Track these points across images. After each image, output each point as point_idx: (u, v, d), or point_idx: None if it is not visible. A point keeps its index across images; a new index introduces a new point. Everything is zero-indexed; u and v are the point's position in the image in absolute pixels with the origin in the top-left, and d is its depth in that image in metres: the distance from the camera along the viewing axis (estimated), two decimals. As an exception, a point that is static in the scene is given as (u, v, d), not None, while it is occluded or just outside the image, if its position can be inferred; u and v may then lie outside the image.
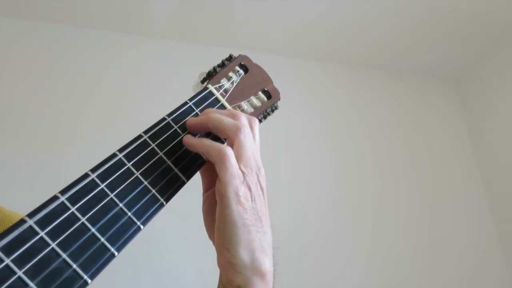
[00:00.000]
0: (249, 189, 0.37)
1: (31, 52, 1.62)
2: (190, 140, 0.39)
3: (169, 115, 0.41)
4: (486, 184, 1.83)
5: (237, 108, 0.46)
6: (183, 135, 0.40)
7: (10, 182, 1.37)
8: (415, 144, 1.86)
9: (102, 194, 0.33)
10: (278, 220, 1.63)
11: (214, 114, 0.40)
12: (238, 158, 0.37)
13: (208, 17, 1.71)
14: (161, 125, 0.39)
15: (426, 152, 1.85)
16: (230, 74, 0.47)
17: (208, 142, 0.38)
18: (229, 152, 0.36)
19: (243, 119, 0.40)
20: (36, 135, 1.49)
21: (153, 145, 0.38)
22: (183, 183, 0.38)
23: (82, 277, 0.29)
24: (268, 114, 0.48)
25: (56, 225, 0.30)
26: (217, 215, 0.36)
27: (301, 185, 1.65)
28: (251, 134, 0.39)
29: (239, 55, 0.49)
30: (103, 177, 0.33)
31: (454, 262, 1.63)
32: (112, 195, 0.33)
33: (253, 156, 0.39)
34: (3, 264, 0.27)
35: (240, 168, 0.37)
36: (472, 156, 1.90)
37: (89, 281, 0.30)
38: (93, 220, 0.31)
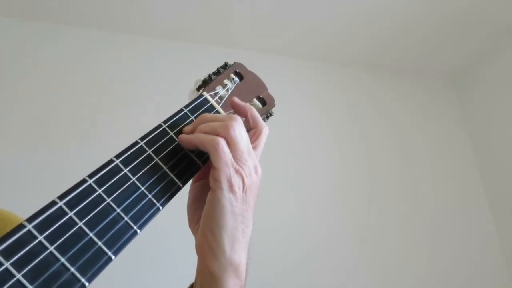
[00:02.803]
0: (242, 180, 0.38)
1: (31, 52, 1.63)
2: (185, 137, 0.40)
3: (165, 121, 0.42)
4: (486, 184, 1.83)
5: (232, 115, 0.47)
6: (178, 141, 0.41)
7: (9, 182, 1.38)
8: (415, 144, 1.86)
9: (100, 199, 0.34)
10: (278, 221, 1.63)
11: (203, 124, 0.41)
12: (232, 151, 0.39)
13: (208, 17, 1.71)
14: (157, 132, 0.40)
15: (426, 152, 1.86)
16: (225, 81, 0.48)
17: (202, 134, 0.40)
18: (222, 141, 0.38)
19: (233, 118, 0.41)
20: (36, 134, 1.49)
21: (149, 151, 0.39)
22: (179, 188, 0.39)
23: (80, 280, 0.30)
24: (263, 120, 0.49)
25: (54, 229, 0.31)
26: (207, 199, 0.38)
27: (301, 185, 1.65)
28: (243, 132, 0.41)
29: (234, 62, 0.50)
30: (100, 182, 0.34)
31: (454, 262, 1.64)
32: (109, 200, 0.34)
33: (248, 151, 0.40)
34: (2, 268, 0.27)
35: (235, 160, 0.39)
36: (472, 156, 1.90)
37: (87, 284, 0.30)
38: (90, 225, 0.32)
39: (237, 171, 0.38)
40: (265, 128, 0.45)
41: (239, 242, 0.37)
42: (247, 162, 0.39)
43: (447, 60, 1.97)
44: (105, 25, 1.72)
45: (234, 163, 0.38)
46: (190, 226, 0.42)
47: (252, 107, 0.45)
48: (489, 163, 1.83)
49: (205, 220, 0.38)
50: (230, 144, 0.39)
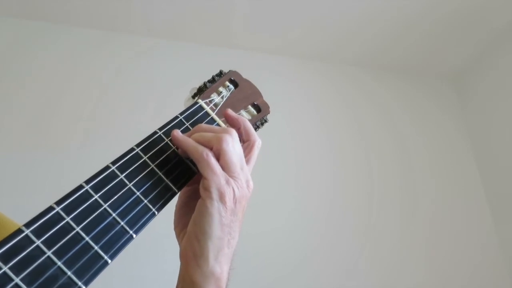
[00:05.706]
0: (233, 191, 0.39)
1: (31, 52, 1.63)
2: (178, 135, 0.41)
3: (160, 128, 0.42)
4: (486, 184, 1.83)
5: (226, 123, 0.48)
6: (173, 147, 0.42)
7: (9, 183, 1.38)
8: (415, 144, 1.86)
9: (96, 205, 0.34)
10: (278, 221, 1.63)
11: (197, 133, 0.42)
12: (224, 164, 0.39)
13: (208, 17, 1.71)
14: (152, 138, 0.41)
15: (426, 152, 1.86)
16: (220, 89, 0.49)
17: (192, 142, 0.40)
18: (209, 152, 0.39)
19: (227, 131, 0.42)
20: (36, 134, 1.50)
21: (145, 157, 0.39)
22: (174, 194, 0.40)
23: (76, 284, 0.31)
24: (258, 127, 0.50)
25: (52, 234, 0.31)
26: (197, 207, 0.38)
27: (301, 185, 1.65)
28: (236, 145, 0.41)
29: (229, 70, 0.51)
30: (96, 188, 0.35)
31: (454, 262, 1.64)
32: (105, 205, 0.35)
33: (240, 164, 0.41)
34: (1, 272, 0.28)
35: (227, 172, 0.39)
36: (472, 156, 1.90)
37: (83, 287, 0.31)
38: (87, 229, 0.33)
39: (228, 182, 0.38)
40: (258, 141, 0.45)
41: (224, 253, 0.37)
42: (239, 175, 0.40)
43: (447, 60, 1.97)
44: (105, 25, 1.72)
45: (225, 174, 0.38)
46: (175, 230, 0.43)
47: (245, 119, 0.46)
48: (489, 163, 1.83)
49: (192, 227, 0.38)
50: (223, 156, 0.39)
